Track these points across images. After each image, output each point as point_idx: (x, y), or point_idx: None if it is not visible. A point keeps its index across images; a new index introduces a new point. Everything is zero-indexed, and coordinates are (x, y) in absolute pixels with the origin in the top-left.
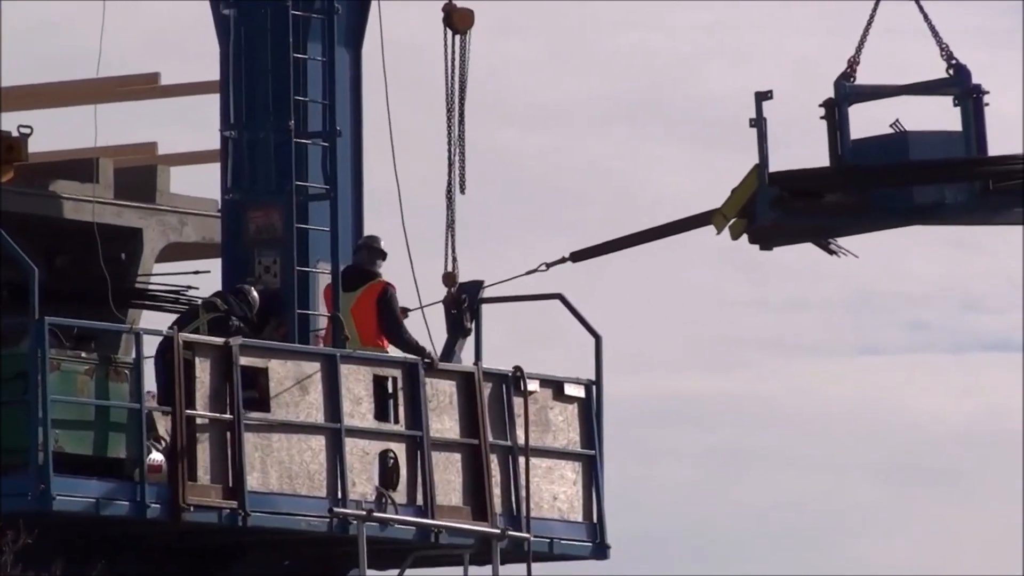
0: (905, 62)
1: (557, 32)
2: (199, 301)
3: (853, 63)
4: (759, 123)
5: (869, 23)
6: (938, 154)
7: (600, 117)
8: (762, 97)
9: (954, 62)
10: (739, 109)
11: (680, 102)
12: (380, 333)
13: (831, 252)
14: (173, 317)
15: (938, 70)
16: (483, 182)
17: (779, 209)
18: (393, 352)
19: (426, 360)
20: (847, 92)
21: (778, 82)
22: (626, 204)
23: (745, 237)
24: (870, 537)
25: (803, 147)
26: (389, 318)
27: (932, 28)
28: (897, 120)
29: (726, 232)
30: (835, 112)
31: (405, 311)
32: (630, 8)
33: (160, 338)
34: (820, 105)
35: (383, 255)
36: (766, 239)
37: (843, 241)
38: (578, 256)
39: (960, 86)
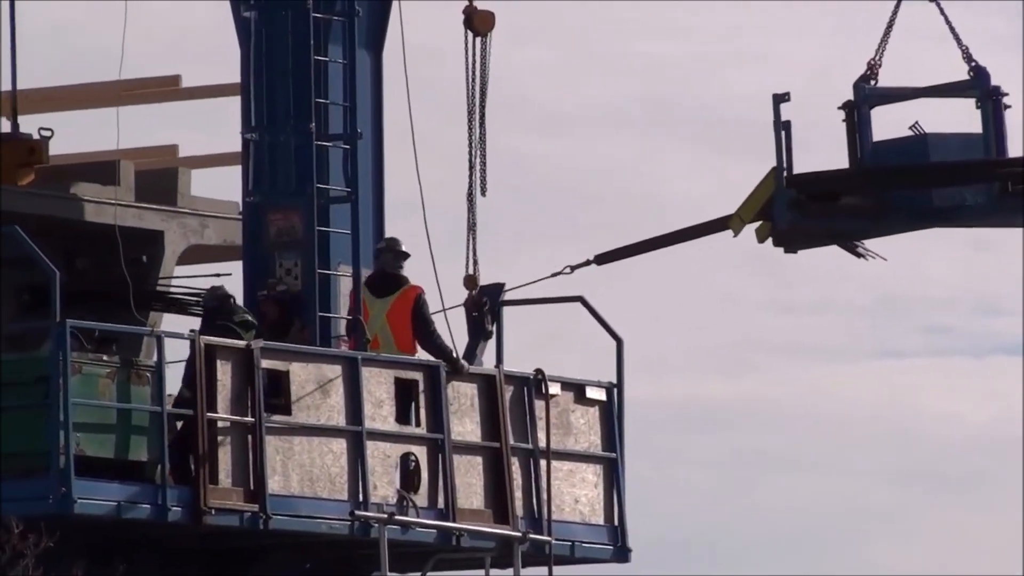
0: (925, 65)
1: (575, 36)
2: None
3: (873, 65)
4: (777, 125)
5: (890, 25)
6: (958, 156)
7: (618, 121)
8: (780, 99)
9: (973, 64)
10: (755, 113)
11: (697, 106)
12: (415, 339)
13: (859, 255)
14: (191, 319)
15: (958, 73)
16: (503, 186)
17: (796, 211)
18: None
19: (456, 367)
20: (867, 94)
21: (794, 86)
22: (644, 208)
23: (769, 240)
24: (889, 541)
25: (820, 150)
26: (424, 326)
27: (952, 30)
28: (916, 122)
29: (746, 235)
30: (854, 114)
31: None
32: (647, 12)
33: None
34: (840, 107)
35: (406, 256)
36: (790, 242)
37: (870, 244)
38: (603, 259)
39: (980, 88)
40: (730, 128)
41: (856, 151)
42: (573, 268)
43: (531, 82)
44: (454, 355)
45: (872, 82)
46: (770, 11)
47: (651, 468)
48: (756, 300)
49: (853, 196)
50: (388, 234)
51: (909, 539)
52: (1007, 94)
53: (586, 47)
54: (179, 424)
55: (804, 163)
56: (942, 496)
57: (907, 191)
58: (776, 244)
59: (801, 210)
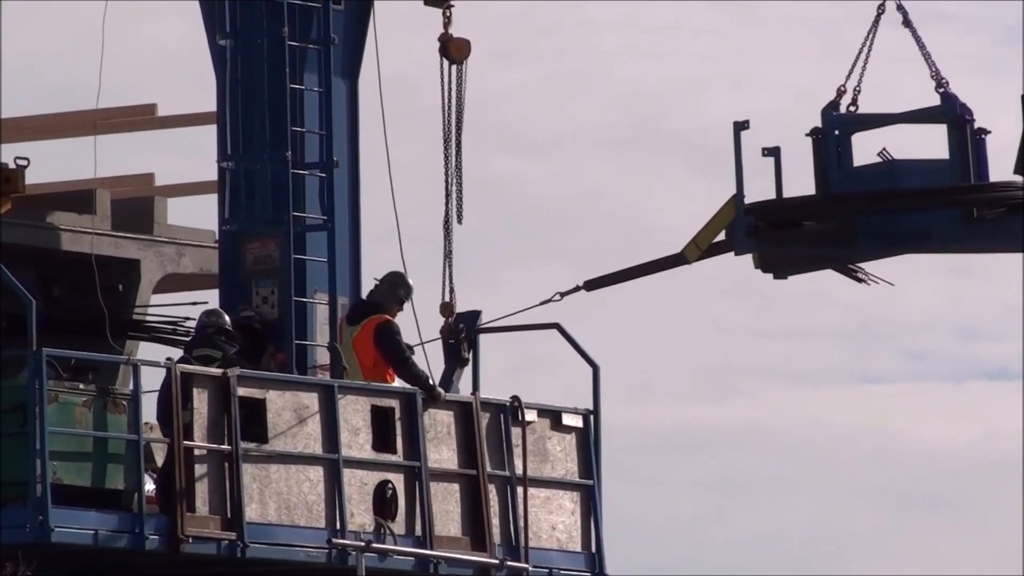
0: (902, 90)
1: (555, 60)
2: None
3: (842, 91)
4: (738, 152)
5: (860, 51)
6: (925, 182)
7: (598, 145)
8: (740, 127)
9: (942, 90)
10: (742, 136)
11: (678, 129)
12: (386, 367)
13: (859, 280)
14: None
15: (934, 98)
16: (481, 211)
17: (754, 239)
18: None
19: (433, 394)
20: (834, 120)
21: (776, 108)
22: (625, 232)
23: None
24: (871, 565)
25: (801, 175)
26: (389, 353)
27: (925, 54)
28: (884, 149)
29: (727, 260)
30: (821, 141)
31: (410, 347)
32: (628, 36)
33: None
34: (807, 134)
35: (401, 291)
36: (779, 268)
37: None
38: (592, 285)
39: (948, 114)
40: (711, 150)
41: (823, 177)
42: (563, 295)
43: (509, 105)
44: (430, 382)
45: (852, 108)
46: (754, 35)
47: (631, 493)
48: (737, 325)
49: (816, 223)
50: (365, 262)
51: (891, 561)
52: (972, 119)
53: (565, 70)
54: (155, 450)
55: (789, 188)
56: (923, 519)
57: (872, 217)
58: (764, 270)
59: (759, 237)
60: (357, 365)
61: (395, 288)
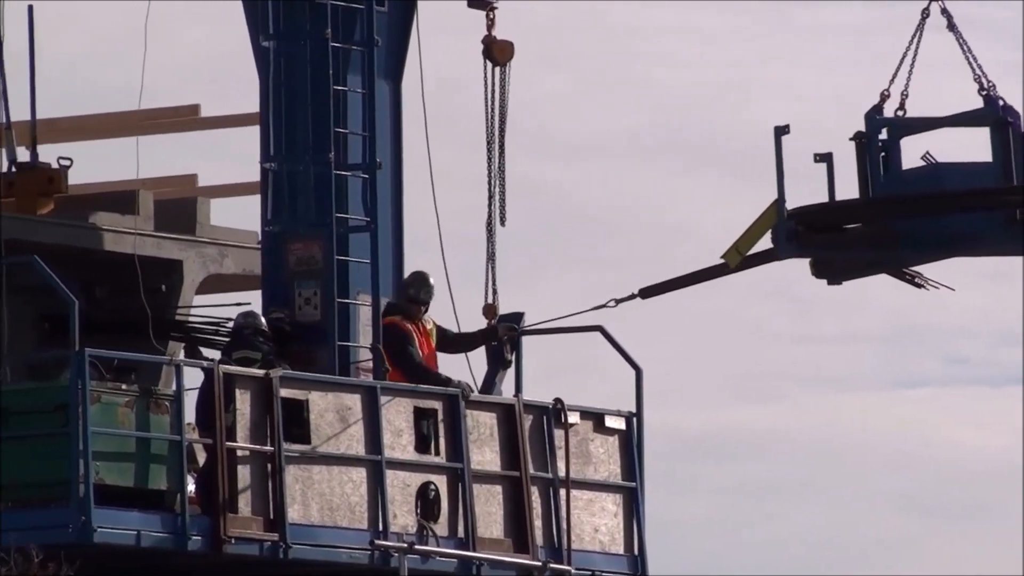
0: (946, 95)
1: (596, 65)
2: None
3: (885, 96)
4: (779, 157)
5: (904, 55)
6: (969, 185)
7: (639, 150)
8: (780, 131)
9: (984, 92)
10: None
11: (717, 135)
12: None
13: (918, 285)
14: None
15: (978, 102)
16: (523, 215)
17: (796, 243)
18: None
19: (453, 389)
20: (878, 125)
21: (814, 115)
22: (666, 238)
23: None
24: (909, 570)
25: (841, 180)
26: (394, 357)
27: (967, 57)
28: (927, 152)
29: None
30: (865, 145)
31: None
32: (670, 41)
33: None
34: (851, 139)
35: (410, 290)
36: (833, 273)
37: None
38: (647, 292)
39: (991, 116)
40: (751, 156)
41: (866, 182)
42: (618, 301)
43: (551, 111)
44: (441, 378)
45: (901, 112)
46: (789, 40)
47: (672, 497)
48: (777, 330)
49: (859, 227)
50: (408, 263)
51: (928, 568)
52: (1013, 122)
53: (606, 76)
54: (196, 450)
55: (822, 194)
56: (960, 525)
57: (914, 221)
58: (818, 276)
59: (800, 242)
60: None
61: (405, 287)
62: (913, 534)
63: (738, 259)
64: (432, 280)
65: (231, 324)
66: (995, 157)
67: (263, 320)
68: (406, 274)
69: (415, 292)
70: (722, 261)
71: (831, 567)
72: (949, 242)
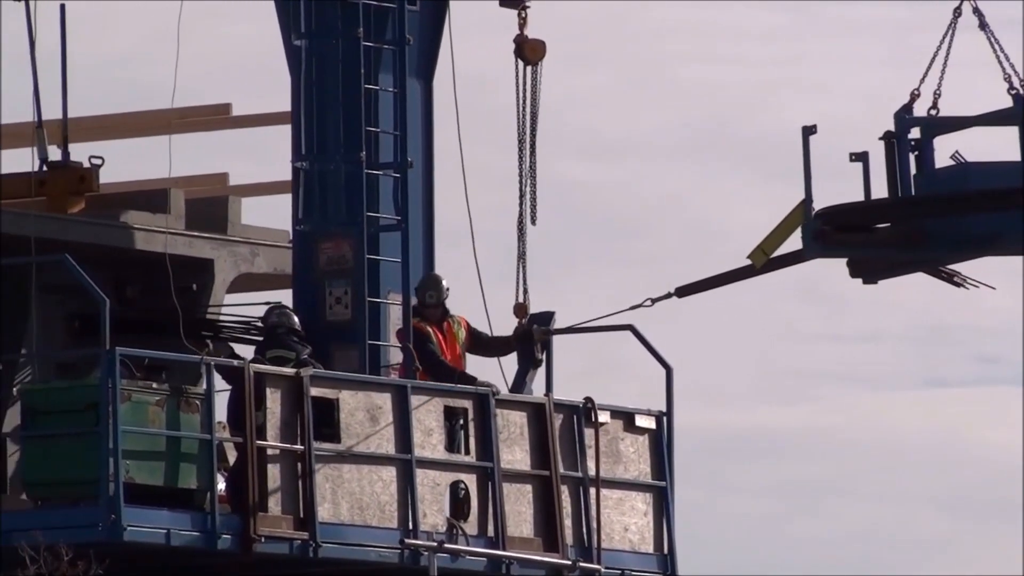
0: (979, 94)
1: (628, 64)
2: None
3: (915, 95)
4: (806, 157)
5: (934, 56)
6: (998, 185)
7: (671, 149)
8: (808, 131)
9: (1015, 92)
10: (812, 141)
11: (751, 134)
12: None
13: (957, 284)
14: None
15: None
16: (554, 214)
17: (822, 243)
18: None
19: (483, 389)
20: (907, 124)
21: (848, 114)
22: (698, 238)
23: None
24: (939, 569)
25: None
26: (420, 359)
27: (998, 56)
28: (957, 151)
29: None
30: (894, 145)
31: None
32: (700, 40)
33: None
34: (880, 138)
35: (423, 298)
36: (869, 272)
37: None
38: (683, 291)
39: (1020, 115)
40: (784, 155)
41: (895, 181)
42: (654, 301)
43: (583, 109)
44: (466, 375)
45: (933, 111)
46: (826, 40)
47: (703, 496)
48: (808, 329)
49: (887, 227)
50: (439, 263)
51: (959, 567)
52: None
53: (640, 75)
54: (227, 449)
55: (854, 193)
56: (992, 524)
57: (942, 221)
58: (854, 275)
59: (827, 242)
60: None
61: (416, 291)
62: (947, 533)
63: (764, 259)
64: (444, 282)
65: (262, 322)
66: (1023, 156)
67: (296, 319)
68: (440, 274)
69: (421, 295)
70: (748, 262)
71: (864, 567)
72: (977, 242)
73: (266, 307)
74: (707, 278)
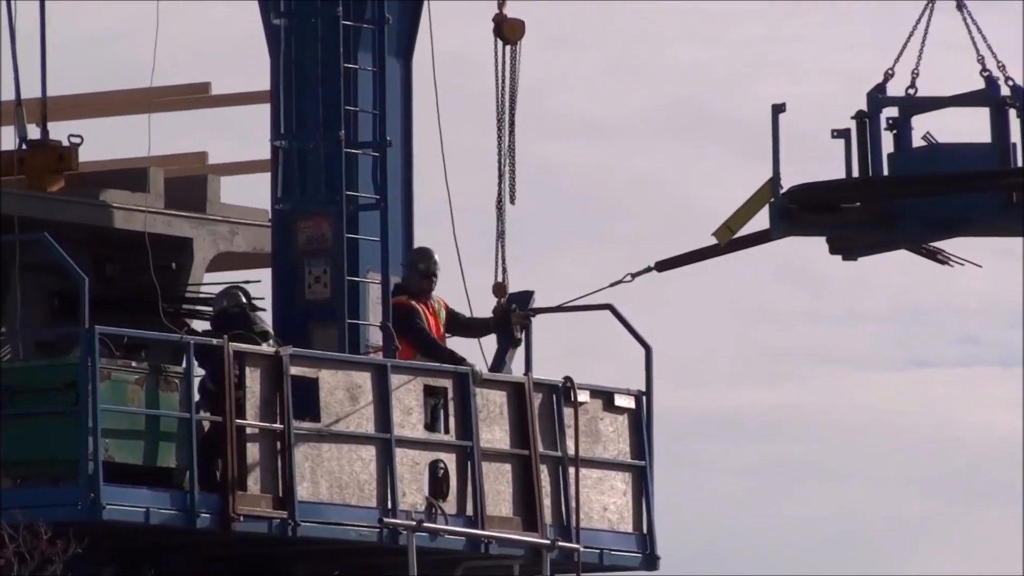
0: (959, 76)
1: (608, 44)
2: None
3: (889, 75)
4: (775, 135)
5: (910, 35)
6: (967, 167)
7: (651, 129)
8: (778, 110)
9: (986, 73)
10: (790, 122)
11: (731, 115)
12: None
13: (940, 262)
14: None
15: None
16: (534, 194)
17: (788, 222)
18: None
19: (463, 368)
20: (879, 104)
21: (828, 94)
22: (678, 217)
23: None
24: (918, 551)
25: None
26: (404, 332)
27: (972, 37)
28: (928, 132)
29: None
30: (866, 125)
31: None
32: (681, 21)
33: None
34: (852, 117)
35: (420, 265)
36: (849, 249)
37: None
38: (663, 266)
39: (990, 97)
40: (765, 136)
41: (867, 161)
42: (634, 276)
43: (563, 89)
44: (456, 355)
45: (912, 91)
46: (807, 22)
47: (683, 476)
48: (789, 309)
49: (856, 206)
50: (418, 242)
51: (939, 548)
52: (1013, 104)
53: (621, 55)
54: (205, 427)
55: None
56: (972, 505)
57: (911, 202)
58: (833, 252)
59: (793, 221)
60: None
61: (414, 264)
62: (927, 513)
63: (729, 236)
64: (436, 255)
65: (213, 308)
66: (993, 138)
67: (242, 296)
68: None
69: (425, 267)
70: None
71: (843, 547)
72: (946, 223)
73: (245, 286)
74: (687, 252)
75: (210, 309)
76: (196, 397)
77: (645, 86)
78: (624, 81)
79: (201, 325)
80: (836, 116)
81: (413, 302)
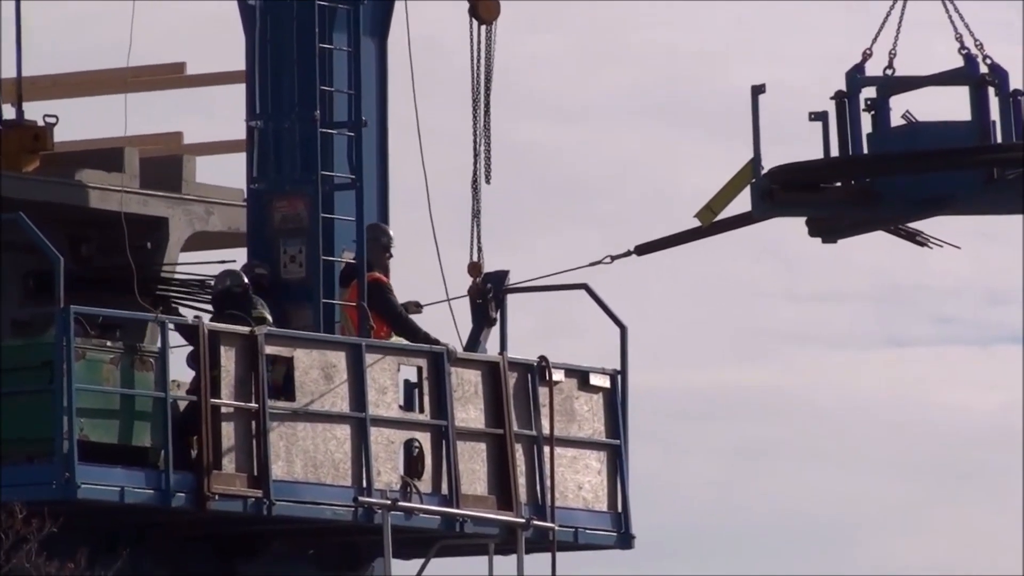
0: (937, 56)
1: (585, 27)
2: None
3: (867, 55)
4: (754, 116)
5: (888, 15)
6: (947, 144)
7: (627, 112)
8: (757, 90)
9: (964, 51)
10: (765, 104)
11: (707, 97)
12: (379, 326)
13: (920, 243)
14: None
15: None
16: (510, 175)
17: (770, 202)
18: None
19: (438, 348)
20: (858, 84)
21: (806, 78)
22: (654, 200)
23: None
24: (895, 532)
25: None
26: (384, 311)
27: (949, 14)
28: (907, 111)
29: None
30: (845, 104)
31: (418, 305)
32: (657, 5)
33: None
34: (831, 97)
35: (383, 238)
36: (828, 232)
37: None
38: (643, 249)
39: (969, 76)
40: (741, 119)
41: (847, 140)
42: (614, 258)
43: (539, 72)
44: (429, 336)
45: (889, 71)
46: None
47: (658, 456)
48: (767, 288)
49: (838, 186)
50: (393, 222)
51: (916, 529)
52: (992, 82)
53: (597, 38)
54: (181, 406)
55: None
56: (949, 486)
57: (892, 180)
58: (813, 234)
59: (774, 201)
60: (350, 325)
61: (376, 240)
62: (904, 494)
63: (711, 217)
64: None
65: (213, 288)
66: (973, 116)
67: (245, 277)
68: (394, 232)
69: (387, 241)
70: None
71: (822, 527)
72: (928, 201)
73: (220, 265)
74: (666, 236)
75: (195, 289)
76: (173, 378)
77: (622, 68)
78: (600, 63)
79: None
80: (812, 101)
81: (383, 277)
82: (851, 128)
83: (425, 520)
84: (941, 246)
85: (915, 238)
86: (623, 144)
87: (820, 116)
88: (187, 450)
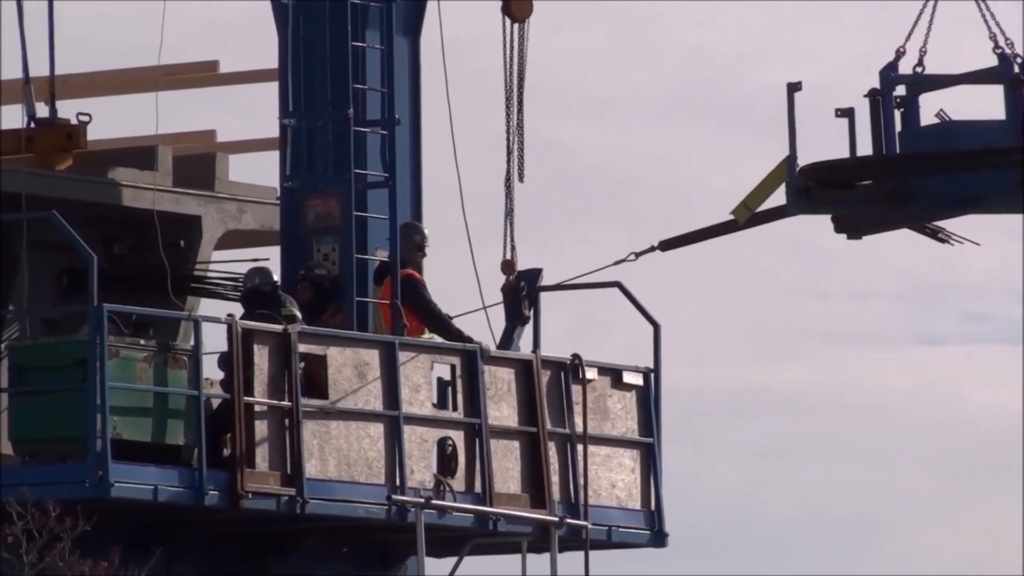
0: (969, 54)
1: (615, 25)
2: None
3: (900, 52)
4: (790, 114)
5: (920, 12)
6: (981, 144)
7: (657, 110)
8: (793, 88)
9: (999, 51)
10: (797, 103)
11: (737, 96)
12: (414, 323)
13: (941, 240)
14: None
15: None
16: (541, 173)
17: (806, 200)
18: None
19: (469, 344)
20: (892, 82)
21: (837, 77)
22: (683, 197)
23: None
24: (926, 530)
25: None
26: (417, 308)
27: (983, 13)
28: (941, 110)
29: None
30: (879, 102)
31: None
32: (686, 3)
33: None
34: (865, 95)
35: (416, 236)
36: (854, 228)
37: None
38: (667, 245)
39: (1004, 75)
40: (771, 116)
41: (880, 139)
42: (638, 255)
43: (571, 70)
44: (463, 334)
45: (919, 68)
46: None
47: (690, 454)
48: (796, 287)
49: (870, 184)
50: (426, 220)
51: (947, 527)
52: None
53: (628, 36)
54: (214, 404)
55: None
56: (980, 483)
57: (926, 179)
58: (839, 231)
59: (810, 198)
60: (383, 323)
61: (409, 238)
62: (936, 492)
63: (747, 214)
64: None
65: (243, 286)
66: (1008, 115)
67: (273, 275)
68: (428, 231)
69: (420, 239)
70: (731, 217)
71: (853, 525)
72: (961, 200)
73: (254, 263)
74: (690, 232)
75: (228, 287)
76: (206, 376)
77: (651, 66)
78: (630, 61)
79: (208, 303)
80: (842, 99)
81: (418, 274)
82: (885, 126)
83: (458, 518)
84: (962, 243)
85: (937, 235)
86: (655, 141)
87: (846, 113)
88: (220, 448)
